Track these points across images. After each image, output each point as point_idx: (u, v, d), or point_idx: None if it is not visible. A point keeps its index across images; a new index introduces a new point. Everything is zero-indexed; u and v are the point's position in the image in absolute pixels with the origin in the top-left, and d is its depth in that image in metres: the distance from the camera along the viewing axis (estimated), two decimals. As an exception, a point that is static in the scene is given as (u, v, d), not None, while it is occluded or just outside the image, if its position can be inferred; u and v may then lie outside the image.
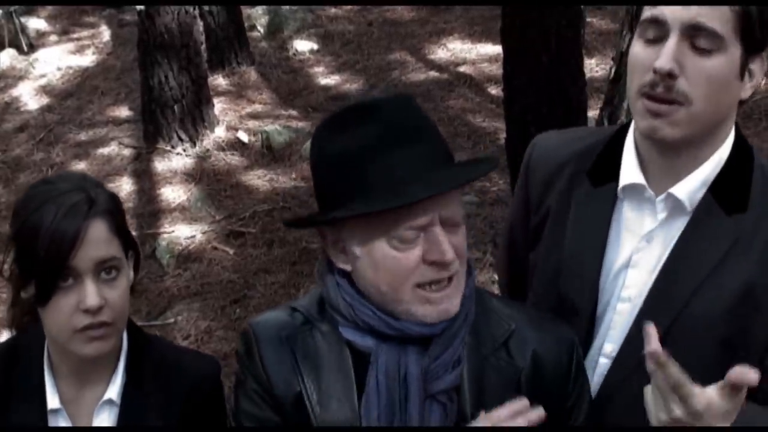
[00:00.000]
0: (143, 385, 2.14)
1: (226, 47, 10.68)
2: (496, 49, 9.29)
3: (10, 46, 12.20)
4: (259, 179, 8.23)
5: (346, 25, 12.11)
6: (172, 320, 6.29)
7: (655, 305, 2.07)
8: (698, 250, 2.05)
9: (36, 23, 13.21)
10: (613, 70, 4.18)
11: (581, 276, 2.18)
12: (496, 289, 5.94)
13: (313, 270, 6.64)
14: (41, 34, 13.02)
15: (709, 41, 1.94)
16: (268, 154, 8.62)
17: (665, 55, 1.94)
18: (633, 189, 2.14)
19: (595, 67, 9.46)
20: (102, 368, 2.12)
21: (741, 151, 2.12)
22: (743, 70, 2.00)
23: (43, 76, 11.45)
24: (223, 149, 8.79)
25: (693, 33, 1.94)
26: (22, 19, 12.75)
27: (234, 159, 8.64)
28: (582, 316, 2.17)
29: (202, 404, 2.17)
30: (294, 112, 9.52)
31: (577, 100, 5.89)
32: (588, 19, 10.07)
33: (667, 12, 1.95)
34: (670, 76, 1.94)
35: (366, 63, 10.77)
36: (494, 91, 9.21)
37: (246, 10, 11.78)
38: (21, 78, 11.48)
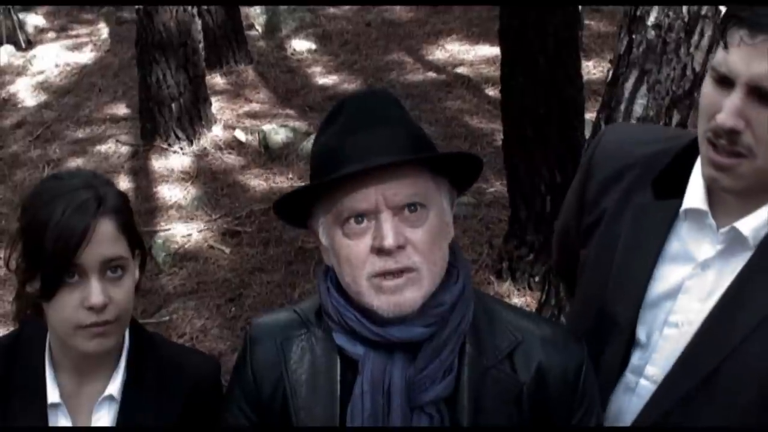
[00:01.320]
0: (144, 383, 2.14)
1: (224, 46, 10.70)
2: (494, 51, 9.31)
3: (8, 42, 12.22)
4: (255, 178, 8.23)
5: (345, 25, 12.12)
6: (167, 318, 6.29)
7: (707, 340, 1.97)
8: (759, 289, 1.93)
9: (34, 20, 13.23)
10: (610, 73, 4.17)
11: (628, 291, 2.09)
12: (492, 291, 5.96)
13: (308, 269, 6.65)
14: (39, 31, 13.04)
15: None
16: (265, 153, 8.62)
17: (728, 111, 1.81)
18: (696, 213, 2.02)
19: (593, 69, 9.47)
20: (103, 364, 2.12)
21: None
22: None
23: (40, 72, 11.47)
24: (220, 148, 8.79)
25: (759, 90, 1.78)
26: (21, 16, 12.77)
27: (231, 158, 8.64)
28: (622, 331, 2.09)
29: (202, 403, 2.17)
30: (291, 112, 9.52)
31: (574, 102, 5.90)
32: (586, 22, 10.10)
33: (732, 66, 1.80)
34: (733, 131, 1.81)
35: (364, 63, 10.78)
36: (492, 92, 9.21)
37: (244, 9, 11.79)
38: (19, 74, 11.50)
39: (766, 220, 1.94)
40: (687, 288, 2.02)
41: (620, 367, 2.10)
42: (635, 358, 2.10)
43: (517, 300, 5.95)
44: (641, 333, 2.08)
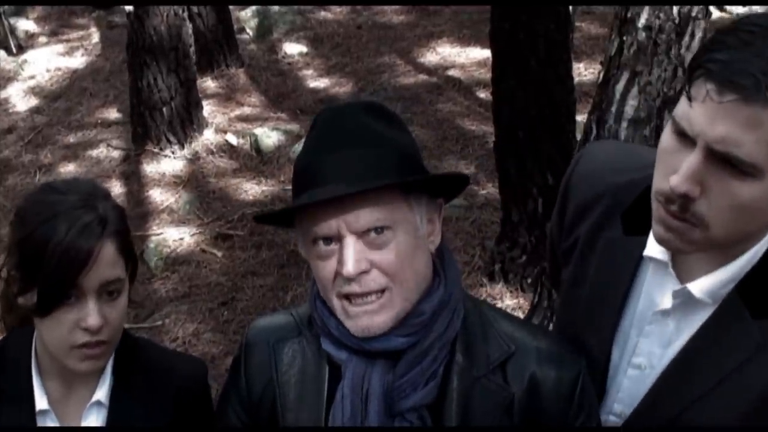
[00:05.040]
0: (131, 387, 2.14)
1: (215, 49, 10.69)
2: (485, 53, 9.32)
3: (-1, 47, 12.20)
4: (247, 182, 8.23)
5: (336, 28, 12.12)
6: (159, 323, 6.28)
7: (667, 391, 1.92)
8: (717, 352, 1.84)
9: (25, 24, 13.21)
10: (601, 75, 4.18)
11: (599, 329, 2.02)
12: (484, 293, 5.96)
13: (301, 273, 6.64)
14: (30, 36, 13.02)
15: (740, 165, 1.59)
16: (256, 156, 8.62)
17: (683, 174, 1.62)
18: (657, 261, 1.91)
19: (584, 71, 9.48)
20: None
21: None
22: None
23: (32, 77, 11.45)
24: (212, 152, 8.78)
25: (720, 154, 1.59)
26: (12, 21, 12.75)
27: (222, 161, 8.64)
28: (596, 368, 2.02)
29: (190, 406, 2.17)
30: (283, 115, 9.52)
31: (565, 103, 5.91)
32: (577, 24, 10.12)
33: (694, 122, 1.61)
34: (686, 197, 1.64)
35: (355, 66, 10.78)
36: (483, 94, 9.22)
37: (235, 13, 11.79)
38: (10, 79, 11.48)
39: (726, 280, 1.82)
40: (648, 332, 1.96)
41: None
42: (606, 396, 2.05)
43: (509, 302, 5.96)
44: (610, 371, 2.04)
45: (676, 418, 1.89)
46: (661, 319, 1.93)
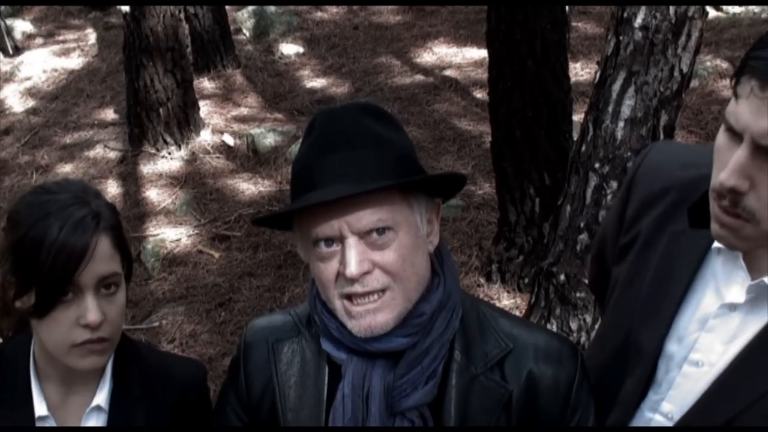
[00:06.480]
0: (131, 391, 2.12)
1: (212, 50, 10.70)
2: (481, 53, 9.33)
3: (-4, 48, 12.21)
4: (244, 182, 8.23)
5: (332, 28, 12.13)
6: (157, 324, 6.27)
7: (727, 389, 1.86)
8: None
9: (22, 25, 13.22)
10: (598, 74, 4.18)
11: (654, 322, 1.98)
12: (482, 293, 5.96)
13: (298, 274, 6.64)
14: (27, 37, 13.03)
15: None
16: (253, 157, 8.61)
17: (731, 169, 1.65)
18: (727, 251, 1.87)
19: (581, 71, 9.48)
20: (89, 374, 2.09)
21: None
22: None
23: (28, 78, 11.46)
24: (209, 152, 8.78)
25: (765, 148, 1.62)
26: (8, 21, 12.76)
27: (219, 162, 8.64)
28: (645, 363, 1.98)
29: (190, 408, 2.16)
30: (279, 116, 9.52)
31: (562, 104, 5.91)
32: (573, 24, 10.12)
33: (740, 117, 1.64)
34: (735, 192, 1.66)
35: (352, 66, 10.78)
36: (480, 94, 9.23)
37: (232, 13, 11.80)
38: (6, 80, 11.49)
39: None
40: (711, 327, 1.90)
41: (639, 399, 2.01)
42: (652, 392, 2.00)
43: (506, 302, 5.96)
44: (661, 366, 1.99)
45: (734, 419, 1.84)
46: (727, 312, 1.88)
